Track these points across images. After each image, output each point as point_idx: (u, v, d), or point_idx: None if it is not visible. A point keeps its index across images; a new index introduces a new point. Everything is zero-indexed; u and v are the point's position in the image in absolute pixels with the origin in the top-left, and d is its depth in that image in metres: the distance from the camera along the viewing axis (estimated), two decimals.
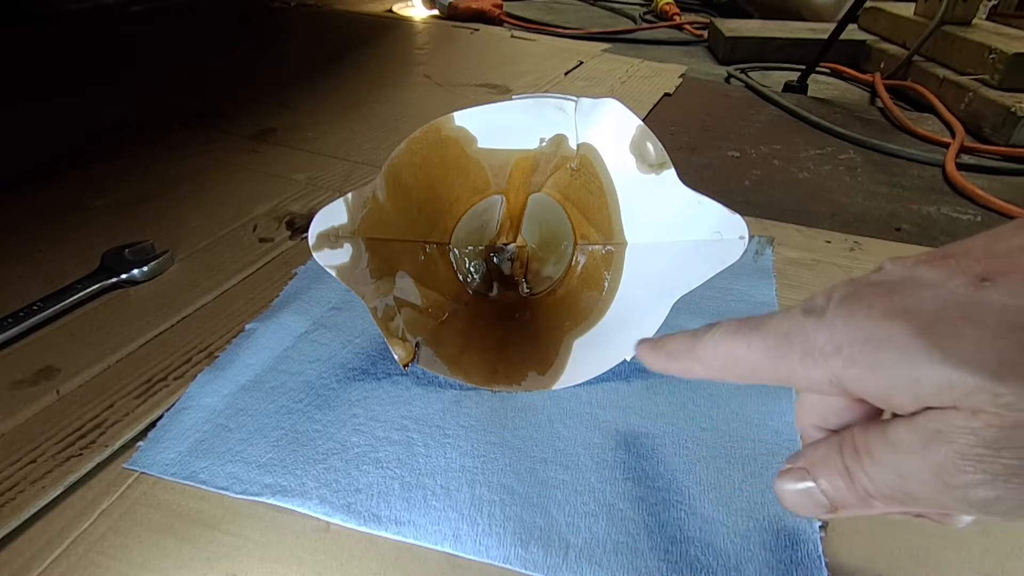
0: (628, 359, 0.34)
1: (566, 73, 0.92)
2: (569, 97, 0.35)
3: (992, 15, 0.99)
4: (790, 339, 0.18)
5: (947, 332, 0.15)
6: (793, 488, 0.18)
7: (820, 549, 0.27)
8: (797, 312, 0.18)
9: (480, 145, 0.36)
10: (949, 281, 0.16)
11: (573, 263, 0.38)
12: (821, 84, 1.00)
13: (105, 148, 0.61)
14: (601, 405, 0.34)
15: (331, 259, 0.32)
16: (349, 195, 0.32)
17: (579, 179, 0.36)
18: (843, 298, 0.17)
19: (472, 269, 0.39)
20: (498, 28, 1.20)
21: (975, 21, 0.92)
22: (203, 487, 0.28)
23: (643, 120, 0.33)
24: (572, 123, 0.35)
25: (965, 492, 0.15)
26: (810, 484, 0.18)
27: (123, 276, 0.41)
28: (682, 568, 0.26)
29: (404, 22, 1.21)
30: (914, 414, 0.16)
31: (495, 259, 0.40)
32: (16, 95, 0.73)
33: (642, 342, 0.23)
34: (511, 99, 0.35)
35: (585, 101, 0.34)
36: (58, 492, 0.28)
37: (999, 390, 0.14)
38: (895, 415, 0.17)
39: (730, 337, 0.19)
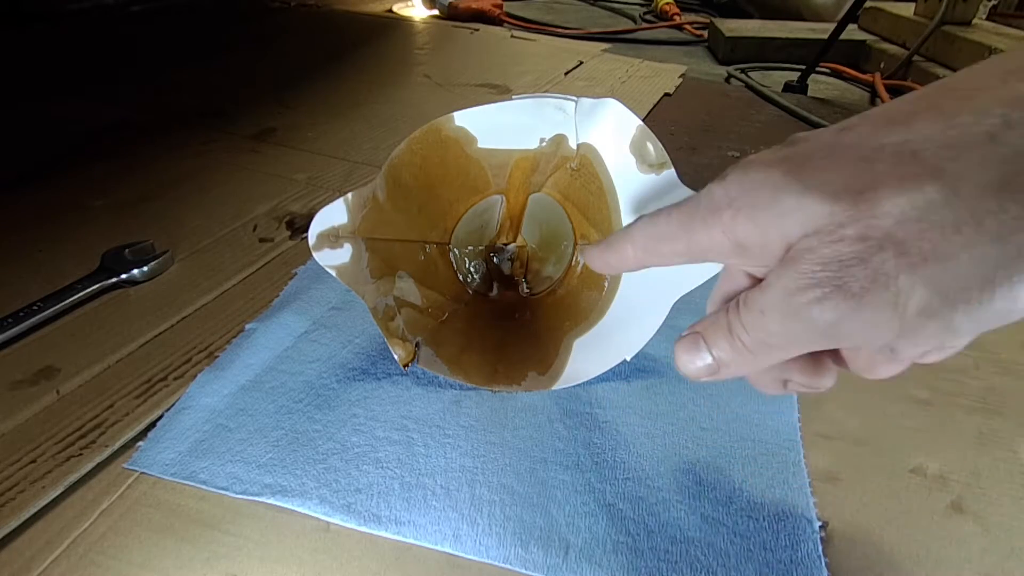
0: (628, 359, 0.34)
1: (566, 73, 0.92)
2: (569, 97, 0.35)
3: (992, 15, 0.99)
4: (698, 204, 0.19)
5: (809, 169, 0.17)
6: (684, 352, 0.21)
7: (820, 549, 0.27)
8: (709, 185, 0.20)
9: (480, 145, 0.36)
10: (822, 134, 0.18)
11: (573, 263, 0.38)
12: (821, 84, 1.00)
13: (105, 148, 0.61)
14: (601, 405, 0.34)
15: (331, 259, 0.32)
16: (349, 195, 0.32)
17: (579, 179, 0.36)
18: (743, 162, 0.19)
19: (472, 269, 0.39)
20: (498, 28, 1.20)
21: (975, 21, 0.92)
22: (203, 487, 0.28)
23: (643, 120, 0.33)
24: (572, 123, 0.35)
25: (809, 314, 0.16)
26: (701, 348, 0.20)
27: (123, 276, 0.41)
28: (682, 568, 0.26)
29: (404, 22, 1.21)
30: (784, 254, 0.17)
31: (495, 259, 0.40)
32: (16, 95, 0.73)
33: (589, 247, 0.25)
34: (511, 99, 0.35)
35: (585, 101, 0.34)
36: (58, 492, 0.28)
37: (835, 209, 0.16)
38: None
39: (655, 215, 0.21)
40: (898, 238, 0.15)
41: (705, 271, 0.31)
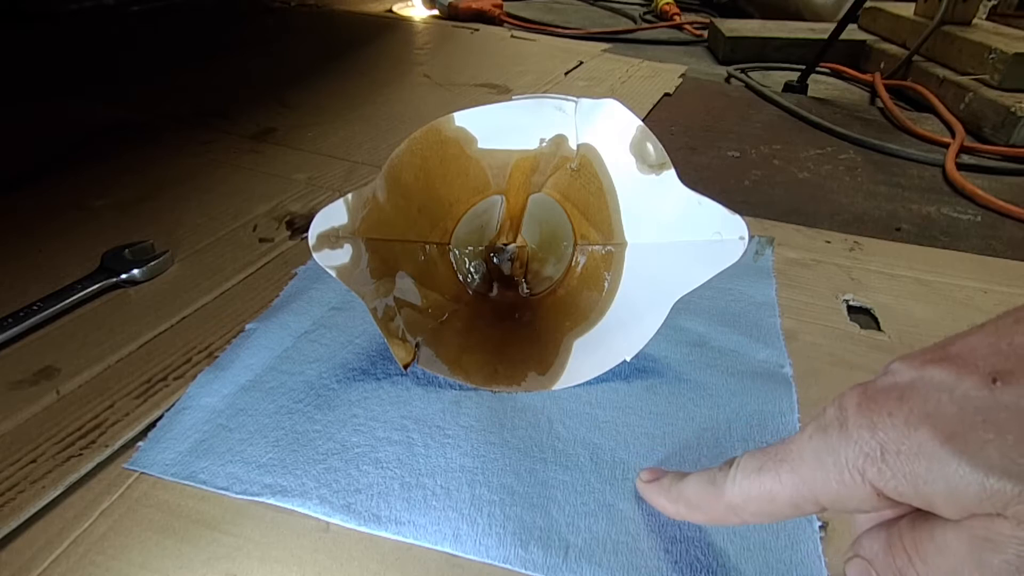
0: (628, 359, 0.34)
1: (566, 73, 0.92)
2: (569, 97, 0.35)
3: (992, 15, 0.99)
4: (821, 462, 0.17)
5: (971, 439, 0.15)
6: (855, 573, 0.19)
7: (820, 549, 0.27)
8: (815, 432, 0.17)
9: (480, 145, 0.36)
10: (961, 383, 0.16)
11: (573, 263, 0.38)
12: (821, 84, 1.00)
13: (105, 148, 0.61)
14: (601, 405, 0.34)
15: (331, 259, 0.32)
16: (349, 195, 0.32)
17: (579, 179, 0.36)
18: (858, 406, 0.17)
19: (472, 269, 0.39)
20: (498, 28, 1.20)
21: (975, 21, 0.92)
22: (203, 487, 0.28)
23: (643, 120, 0.33)
24: (572, 123, 0.35)
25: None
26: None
27: (123, 276, 0.41)
28: (682, 568, 0.26)
29: (404, 22, 1.21)
30: (960, 519, 0.16)
31: (495, 259, 0.40)
32: (16, 95, 0.73)
33: (653, 488, 0.23)
34: (511, 99, 0.35)
35: (585, 101, 0.34)
36: (58, 492, 0.28)
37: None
38: None
39: (756, 476, 0.19)
40: None
41: (705, 271, 0.32)
